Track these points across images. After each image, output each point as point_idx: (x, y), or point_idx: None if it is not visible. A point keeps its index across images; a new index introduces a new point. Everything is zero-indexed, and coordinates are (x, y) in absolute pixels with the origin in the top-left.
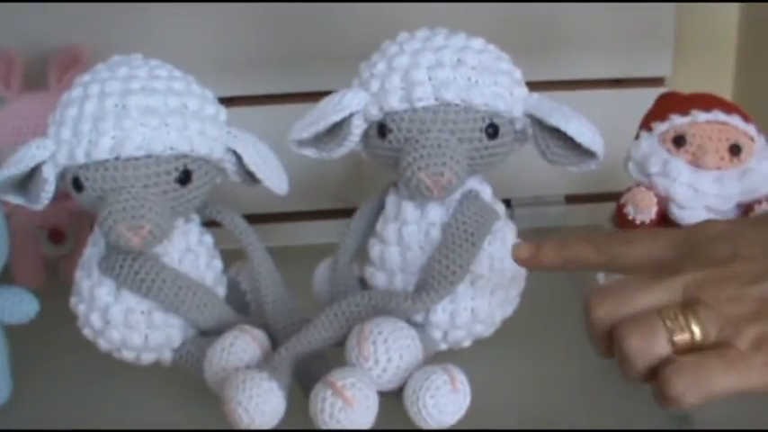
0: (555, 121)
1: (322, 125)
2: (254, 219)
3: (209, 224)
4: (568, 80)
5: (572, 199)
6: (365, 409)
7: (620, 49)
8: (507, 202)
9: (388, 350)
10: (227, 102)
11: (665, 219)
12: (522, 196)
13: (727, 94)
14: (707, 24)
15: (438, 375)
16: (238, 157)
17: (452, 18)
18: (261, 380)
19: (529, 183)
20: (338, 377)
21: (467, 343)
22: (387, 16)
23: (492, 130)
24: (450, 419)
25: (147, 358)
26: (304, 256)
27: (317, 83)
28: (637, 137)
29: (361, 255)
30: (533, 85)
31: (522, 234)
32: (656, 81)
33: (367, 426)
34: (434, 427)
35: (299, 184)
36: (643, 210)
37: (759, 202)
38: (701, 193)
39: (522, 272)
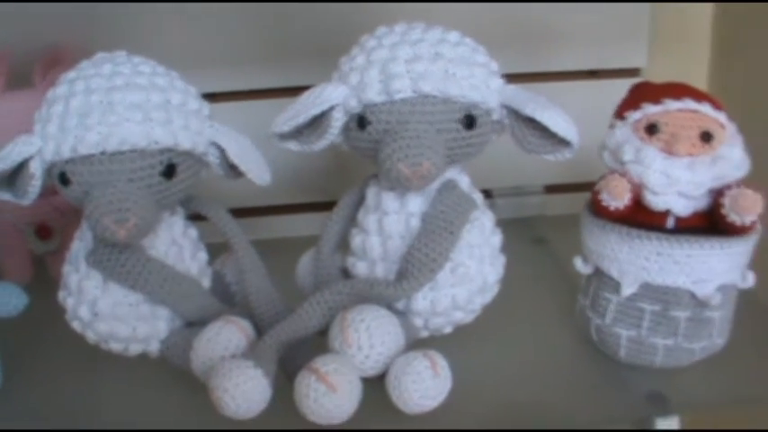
0: (530, 111)
1: (302, 118)
2: (239, 212)
3: (195, 218)
4: (547, 72)
5: (551, 188)
6: (348, 395)
7: (597, 41)
8: (488, 193)
9: (370, 337)
10: (210, 97)
11: (638, 205)
12: (502, 186)
13: (702, 83)
14: (681, 15)
15: (419, 361)
16: (221, 151)
17: (432, 12)
18: (246, 368)
19: (508, 173)
20: (321, 363)
21: (448, 330)
22: (367, 11)
23: (469, 121)
24: (432, 403)
25: (135, 349)
26: (288, 248)
27: (300, 77)
28: (611, 126)
29: (344, 245)
30: (512, 77)
31: (502, 223)
32: (631, 72)
33: (351, 410)
34: (416, 410)
35: (284, 178)
36: (617, 196)
37: (729, 187)
38: (673, 180)
39: (502, 259)
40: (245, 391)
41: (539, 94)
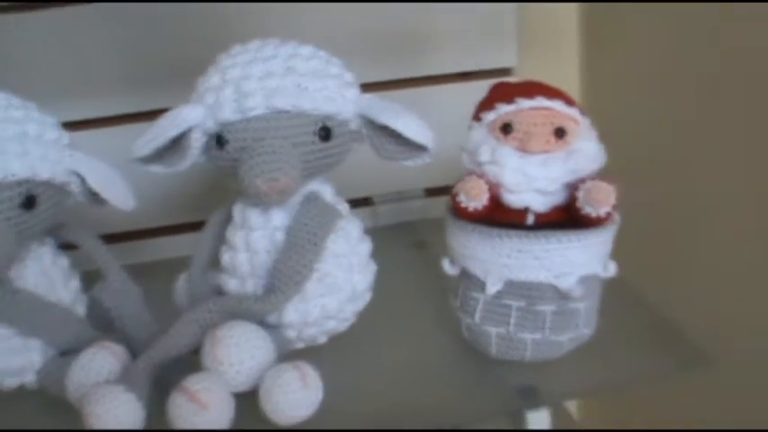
0: (384, 119)
1: (161, 141)
2: (118, 237)
3: (70, 246)
4: (419, 77)
5: (432, 192)
6: (220, 412)
7: (466, 44)
8: (369, 200)
9: (240, 352)
10: (72, 126)
11: (498, 204)
12: (383, 192)
13: (574, 79)
14: (549, 14)
15: (289, 373)
16: (83, 179)
17: (299, 25)
18: (118, 392)
19: (389, 179)
20: (192, 382)
21: (323, 339)
22: (227, 29)
23: (324, 133)
24: (304, 413)
25: (11, 383)
26: (168, 270)
27: (162, 101)
28: (469, 128)
29: (217, 263)
30: (384, 85)
31: (384, 229)
32: (503, 72)
33: (223, 427)
34: (289, 422)
35: (159, 200)
36: (474, 197)
37: (584, 180)
38: (529, 177)
39: (372, 267)
40: (117, 415)
41: (412, 100)
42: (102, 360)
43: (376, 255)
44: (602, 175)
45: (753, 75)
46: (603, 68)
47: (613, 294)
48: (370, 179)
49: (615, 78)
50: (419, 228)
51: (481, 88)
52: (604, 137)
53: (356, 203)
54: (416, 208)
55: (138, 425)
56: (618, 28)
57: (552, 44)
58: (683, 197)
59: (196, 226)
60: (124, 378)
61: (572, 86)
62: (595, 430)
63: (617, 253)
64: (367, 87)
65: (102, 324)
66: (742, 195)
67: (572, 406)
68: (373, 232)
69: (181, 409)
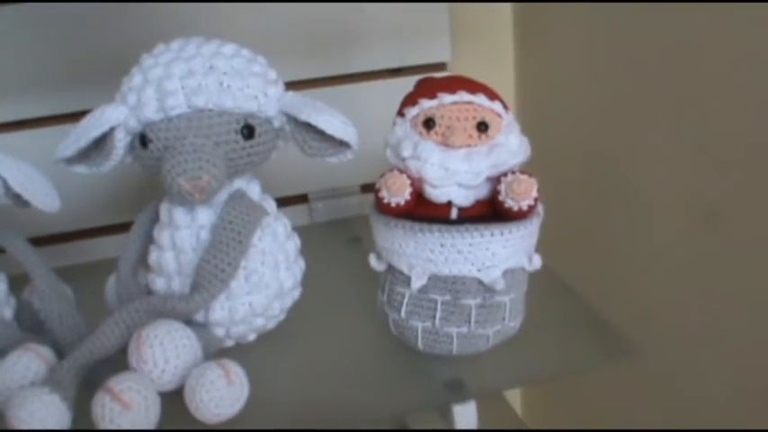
0: (305, 116)
1: (84, 141)
2: (50, 239)
3: None
4: (351, 74)
5: (367, 188)
6: (144, 411)
7: (398, 39)
8: (305, 197)
9: (164, 351)
10: (3, 127)
11: (422, 199)
12: (319, 189)
13: (509, 72)
14: (483, 7)
15: (212, 370)
16: (4, 181)
17: (228, 23)
18: (41, 394)
19: (324, 176)
20: (116, 382)
21: (252, 337)
22: (154, 28)
23: (247, 131)
24: (230, 411)
25: None
26: (100, 272)
27: (89, 101)
28: (393, 124)
29: (146, 263)
30: (316, 82)
31: (320, 225)
32: (437, 67)
33: (149, 426)
34: (214, 420)
35: (90, 202)
36: (396, 193)
37: (505, 174)
38: (451, 171)
39: (300, 263)
40: (41, 418)
41: (346, 96)
42: (26, 362)
43: (310, 251)
44: (536, 166)
45: (681, 69)
46: (538, 62)
47: (541, 286)
48: (306, 176)
49: (549, 72)
50: (355, 224)
51: (414, 83)
52: (538, 130)
53: (292, 200)
54: (352, 204)
55: (64, 426)
56: (551, 22)
57: (487, 38)
58: (613, 189)
59: (127, 227)
60: (49, 380)
61: (507, 80)
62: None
63: (547, 245)
64: (299, 84)
65: (33, 327)
66: (668, 186)
67: (515, 399)
68: (309, 229)
69: (104, 409)
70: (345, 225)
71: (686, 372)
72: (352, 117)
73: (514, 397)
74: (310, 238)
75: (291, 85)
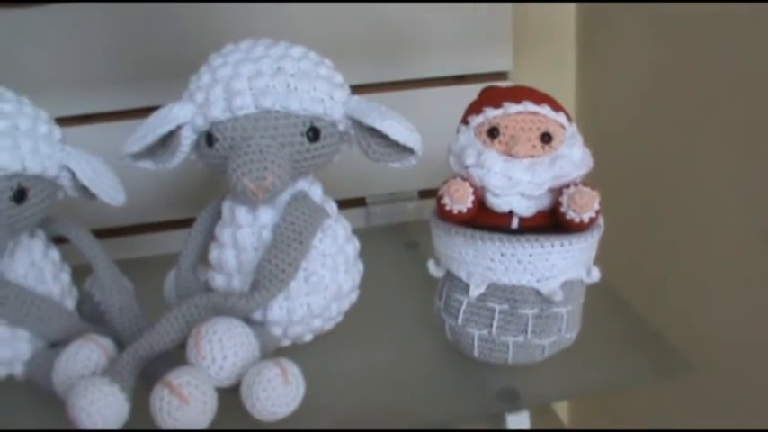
0: (371, 120)
1: (151, 138)
2: (113, 232)
3: (63, 240)
4: (414, 79)
5: (426, 194)
6: (202, 406)
7: (462, 46)
8: (362, 200)
9: (223, 348)
10: (68, 121)
11: (483, 207)
12: (378, 194)
13: (570, 82)
14: (545, 17)
15: (270, 369)
16: (73, 174)
17: (294, 26)
18: (102, 384)
19: (383, 180)
20: (175, 376)
21: (308, 337)
22: (222, 28)
23: (313, 134)
24: (285, 410)
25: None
26: (160, 266)
27: (156, 98)
28: (457, 131)
29: (206, 260)
30: (380, 87)
31: (377, 230)
32: (499, 75)
33: (206, 421)
34: (270, 418)
35: (153, 197)
36: (458, 200)
37: (568, 186)
38: (514, 181)
39: (359, 266)
40: (101, 407)
41: (408, 102)
42: (88, 352)
43: (368, 255)
44: (595, 178)
45: (747, 85)
46: (599, 72)
47: (598, 299)
48: (364, 180)
49: (611, 82)
50: (412, 229)
51: (476, 91)
52: (599, 141)
53: (350, 203)
54: (410, 209)
55: (122, 417)
56: (614, 32)
57: (548, 48)
58: (671, 204)
59: (189, 222)
60: (109, 371)
61: (568, 90)
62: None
63: (604, 258)
64: (363, 89)
65: (93, 317)
66: (730, 203)
67: (562, 410)
68: (366, 232)
69: (163, 402)
70: (402, 230)
71: (738, 391)
72: (413, 123)
73: (561, 408)
74: (367, 241)
75: (356, 89)
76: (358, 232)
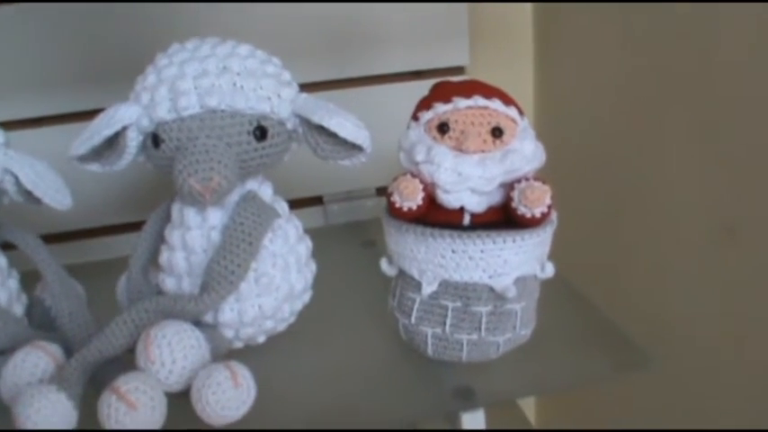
0: (318, 118)
1: (96, 140)
2: (64, 236)
3: (9, 246)
4: (371, 75)
5: (383, 191)
6: (150, 411)
7: (418, 42)
8: (320, 199)
9: (172, 352)
10: (13, 124)
11: (435, 204)
12: (335, 192)
13: (527, 77)
14: (502, 11)
15: (219, 372)
16: (17, 178)
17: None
18: (48, 392)
19: (340, 179)
20: (123, 382)
21: (261, 339)
22: (172, 27)
23: (260, 133)
24: (235, 413)
25: None
26: (114, 270)
27: (107, 100)
28: (407, 127)
29: (157, 263)
30: (337, 83)
31: (335, 228)
32: (456, 70)
33: (155, 426)
34: (220, 422)
35: (104, 200)
36: (408, 197)
37: (519, 181)
38: (464, 177)
39: (311, 266)
40: (48, 415)
41: (364, 98)
42: (35, 359)
43: (324, 253)
44: (553, 172)
45: (703, 78)
46: (557, 66)
47: (555, 295)
48: (322, 178)
49: (569, 76)
50: (370, 227)
51: None
52: (557, 135)
53: (307, 202)
54: (368, 207)
55: (71, 425)
56: (571, 25)
57: (506, 42)
58: (630, 198)
59: (141, 225)
60: (56, 378)
61: (525, 84)
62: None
63: (561, 253)
64: (315, 86)
65: (44, 323)
66: (686, 197)
67: (529, 409)
68: (323, 231)
69: (110, 408)
70: (360, 228)
71: (700, 382)
72: (369, 120)
73: (528, 405)
74: (324, 240)
75: (307, 87)
76: (316, 231)
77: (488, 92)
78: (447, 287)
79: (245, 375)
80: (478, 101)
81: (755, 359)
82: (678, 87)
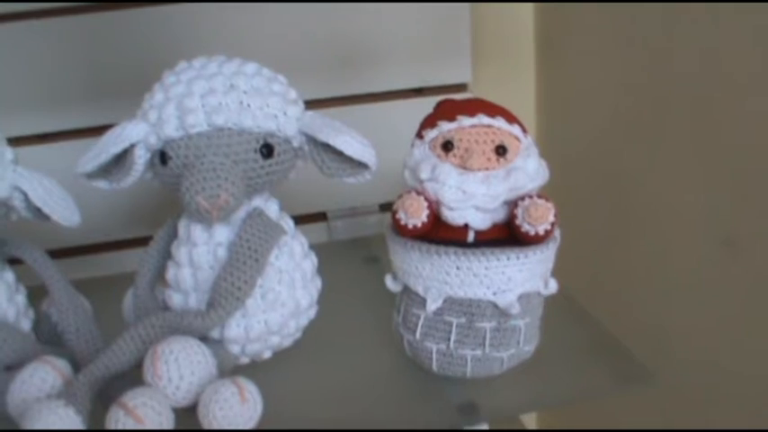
0: (324, 136)
1: (104, 157)
2: (71, 252)
3: (17, 261)
4: (373, 93)
5: (387, 207)
6: (158, 427)
7: (420, 59)
8: (323, 215)
9: (179, 368)
10: (21, 141)
11: (439, 221)
12: (338, 208)
13: (530, 94)
14: (503, 28)
15: (226, 387)
16: (26, 195)
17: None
18: (56, 407)
19: (343, 195)
20: (130, 398)
21: (267, 355)
22: (179, 45)
23: (266, 151)
24: (243, 429)
25: None
26: (121, 285)
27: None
28: (411, 145)
29: (163, 278)
30: (339, 101)
31: (338, 244)
32: (458, 87)
33: None
34: None
35: (111, 216)
36: (413, 215)
37: (523, 198)
38: (469, 194)
39: (317, 282)
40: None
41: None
42: (43, 375)
43: (328, 269)
44: (555, 188)
45: (704, 94)
46: (559, 83)
47: (557, 311)
48: (326, 194)
49: (571, 93)
50: (373, 243)
51: (434, 104)
52: (559, 151)
53: (311, 218)
54: (371, 223)
55: None
56: (573, 43)
57: (508, 59)
58: (632, 213)
59: (148, 241)
60: (64, 393)
61: (528, 101)
62: None
63: (564, 269)
64: (320, 103)
65: (51, 339)
66: (687, 211)
67: (531, 423)
68: (327, 247)
69: (118, 424)
70: (364, 244)
71: (702, 397)
72: (373, 137)
73: (529, 416)
74: (328, 256)
75: (312, 104)
76: (319, 247)
77: (492, 110)
78: (451, 303)
79: (251, 391)
80: (482, 119)
81: (757, 373)
82: (677, 104)
